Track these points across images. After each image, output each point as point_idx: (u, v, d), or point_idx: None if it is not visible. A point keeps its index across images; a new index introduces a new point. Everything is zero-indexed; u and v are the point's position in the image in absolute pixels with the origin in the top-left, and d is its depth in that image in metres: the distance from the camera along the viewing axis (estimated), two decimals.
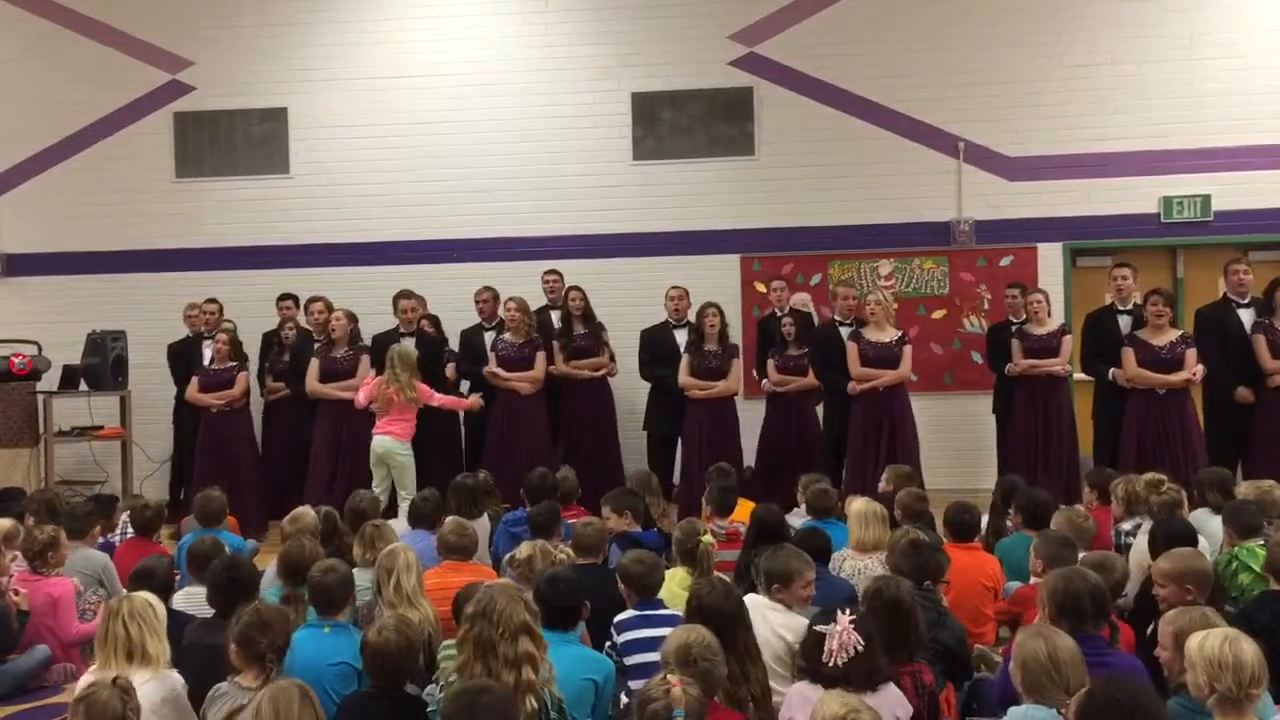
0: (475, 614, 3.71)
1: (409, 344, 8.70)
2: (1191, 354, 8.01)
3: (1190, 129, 10.05)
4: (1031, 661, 3.43)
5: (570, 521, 5.97)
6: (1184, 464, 7.60)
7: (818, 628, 3.64)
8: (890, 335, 8.34)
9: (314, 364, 8.82)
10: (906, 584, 4.27)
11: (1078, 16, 10.20)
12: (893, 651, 3.84)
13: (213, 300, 9.87)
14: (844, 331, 8.63)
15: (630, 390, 9.79)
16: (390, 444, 8.02)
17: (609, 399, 9.39)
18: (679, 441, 8.99)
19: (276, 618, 3.99)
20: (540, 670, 3.66)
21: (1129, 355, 8.11)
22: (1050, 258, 10.28)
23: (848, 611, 3.62)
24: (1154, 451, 7.85)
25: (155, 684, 3.99)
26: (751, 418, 9.05)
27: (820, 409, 8.91)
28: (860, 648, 3.53)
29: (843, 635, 3.54)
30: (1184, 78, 10.08)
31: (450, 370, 9.08)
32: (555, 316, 9.51)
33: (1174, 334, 8.11)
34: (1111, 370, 8.26)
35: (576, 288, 9.37)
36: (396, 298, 9.20)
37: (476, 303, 9.57)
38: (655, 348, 9.21)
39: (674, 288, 9.31)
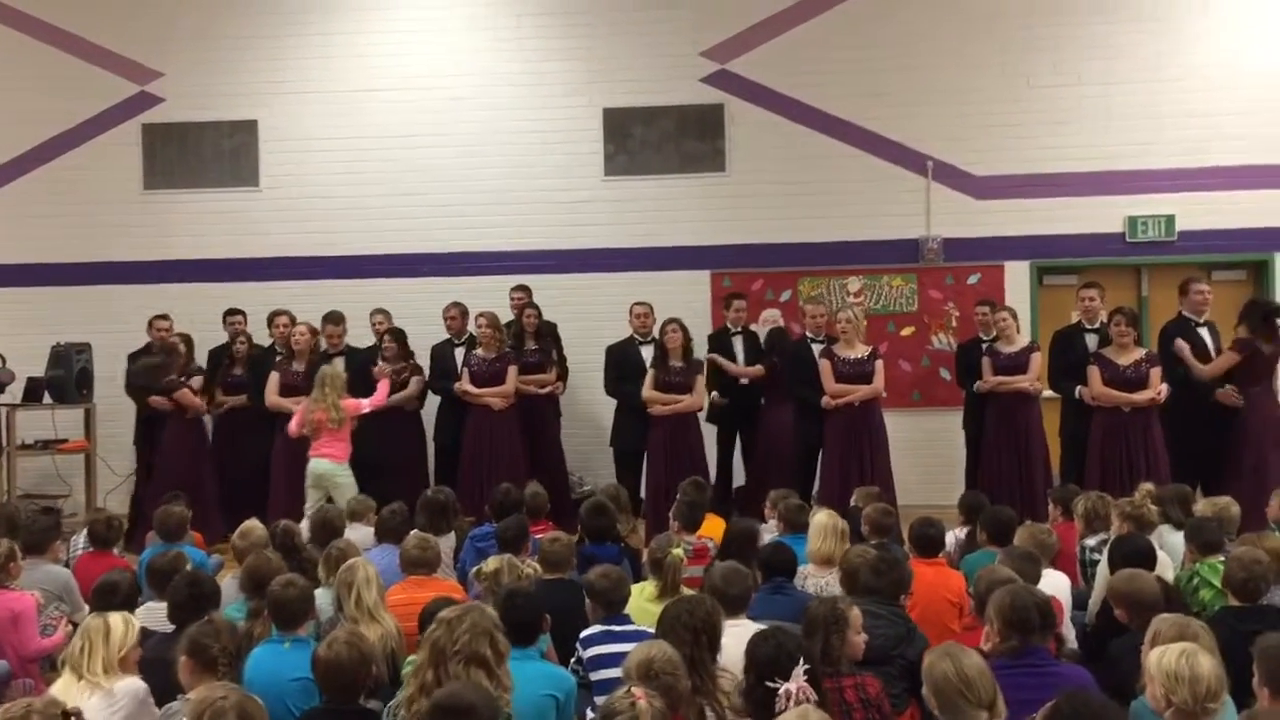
0: (437, 621, 3.72)
1: (338, 364, 8.67)
2: (1156, 373, 8.09)
3: (1154, 150, 10.19)
4: (942, 683, 3.42)
5: (538, 537, 5.95)
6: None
7: (770, 684, 3.53)
8: (861, 351, 8.40)
9: (273, 377, 8.84)
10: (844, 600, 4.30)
11: (1044, 38, 10.32)
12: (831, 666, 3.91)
13: (163, 316, 9.74)
14: (815, 348, 8.67)
15: (599, 405, 9.80)
16: (328, 466, 7.95)
17: (554, 415, 9.54)
18: (645, 457, 8.98)
19: (227, 627, 3.97)
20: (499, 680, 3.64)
21: (1094, 374, 8.19)
22: (1017, 276, 10.37)
23: (801, 663, 3.58)
24: (1118, 470, 7.91)
25: (120, 694, 3.99)
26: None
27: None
28: (814, 701, 3.48)
29: (798, 694, 3.49)
30: (1148, 99, 10.21)
31: (378, 370, 8.93)
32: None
33: (1139, 353, 8.20)
34: (1078, 388, 8.33)
35: (532, 305, 9.45)
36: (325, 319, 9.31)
37: (445, 319, 9.56)
38: (621, 364, 9.24)
39: (638, 304, 9.36)
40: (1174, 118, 10.17)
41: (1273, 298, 9.33)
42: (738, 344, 9.36)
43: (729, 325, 9.48)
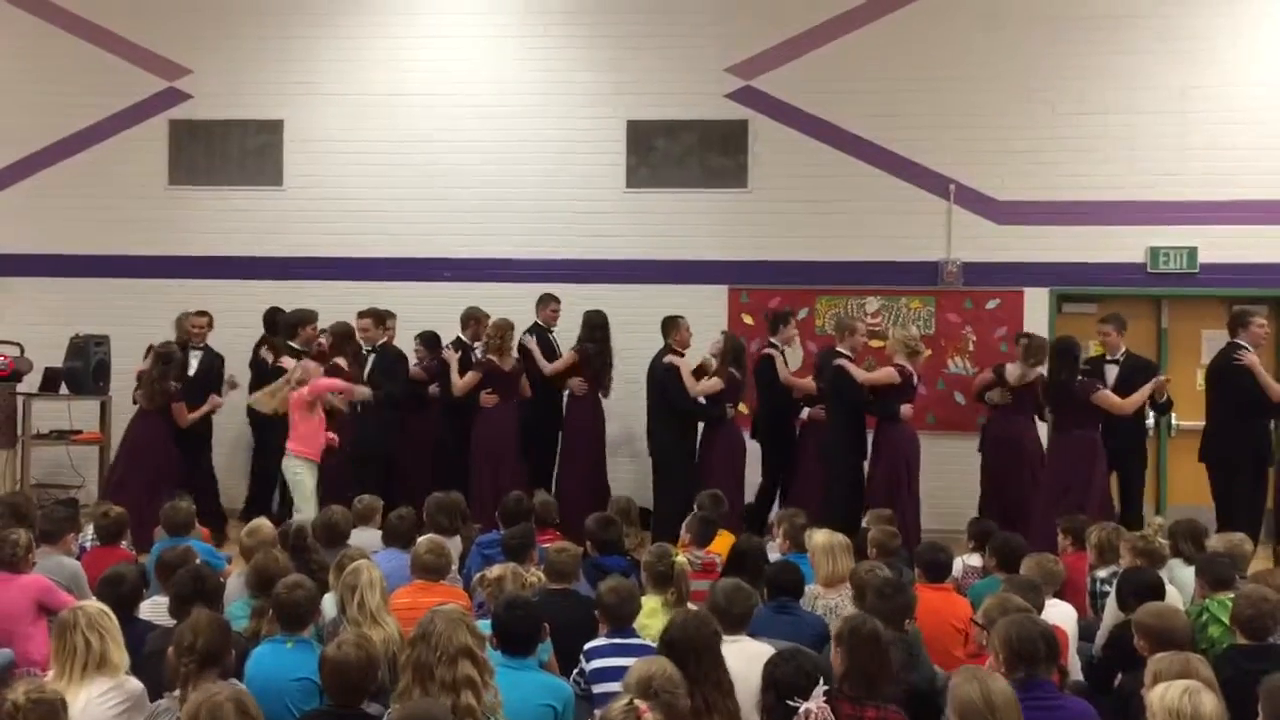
0: (415, 637, 3.71)
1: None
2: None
3: (1178, 181, 10.13)
4: (967, 706, 3.41)
5: (544, 546, 5.95)
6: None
7: (791, 703, 3.54)
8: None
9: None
10: (876, 622, 4.25)
11: (1071, 66, 10.29)
12: (864, 691, 3.83)
13: (202, 313, 9.80)
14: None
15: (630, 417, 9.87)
16: (284, 460, 7.96)
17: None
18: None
19: (219, 624, 3.98)
20: (484, 696, 3.63)
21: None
22: (1037, 303, 10.32)
23: (821, 683, 3.56)
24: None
25: (116, 691, 3.99)
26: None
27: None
28: None
29: (817, 713, 3.47)
30: (1174, 130, 10.16)
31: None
32: (550, 342, 9.68)
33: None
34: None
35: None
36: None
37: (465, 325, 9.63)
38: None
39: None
40: (1199, 150, 10.12)
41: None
42: (785, 359, 9.44)
43: (775, 343, 9.47)
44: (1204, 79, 10.17)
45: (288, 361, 8.77)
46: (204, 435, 9.52)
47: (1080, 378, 8.31)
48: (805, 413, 9.27)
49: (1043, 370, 8.71)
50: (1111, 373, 8.74)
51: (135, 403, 9.06)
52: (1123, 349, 8.89)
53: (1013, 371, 9.00)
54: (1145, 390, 8.38)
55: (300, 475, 7.88)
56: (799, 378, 9.41)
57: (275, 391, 8.05)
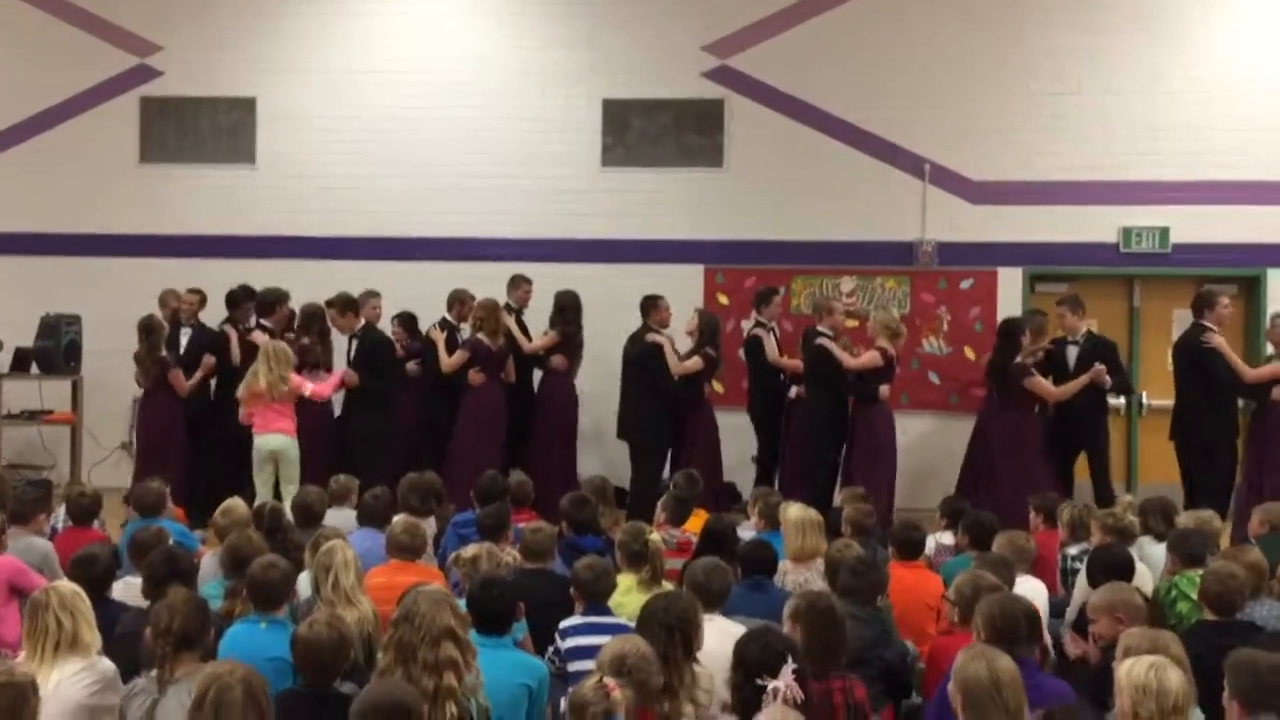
0: (399, 618, 3.72)
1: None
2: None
3: (1151, 161, 10.19)
4: (974, 683, 3.43)
5: (520, 526, 5.96)
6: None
7: (760, 681, 3.55)
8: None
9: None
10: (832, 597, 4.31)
11: (1045, 47, 10.32)
12: (825, 664, 3.87)
13: (194, 290, 9.67)
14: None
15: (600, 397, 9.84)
16: (282, 441, 7.99)
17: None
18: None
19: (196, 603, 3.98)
20: (465, 677, 3.64)
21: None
22: (1010, 282, 10.37)
23: (790, 661, 3.59)
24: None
25: (88, 672, 3.98)
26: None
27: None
28: (799, 701, 3.49)
29: (786, 692, 3.50)
30: (1146, 110, 10.22)
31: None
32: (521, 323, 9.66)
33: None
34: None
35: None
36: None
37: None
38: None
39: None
40: (1171, 130, 10.17)
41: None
42: (773, 339, 9.46)
43: (762, 320, 9.51)
44: (1176, 59, 10.22)
45: (259, 336, 8.73)
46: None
47: (1019, 360, 8.47)
48: (793, 391, 9.33)
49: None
50: (1072, 353, 8.85)
51: (139, 385, 9.05)
52: (1083, 329, 8.97)
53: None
54: (1080, 381, 8.56)
55: (298, 454, 8.01)
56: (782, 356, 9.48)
57: (273, 386, 7.97)
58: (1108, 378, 8.62)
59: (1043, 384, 8.53)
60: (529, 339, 9.62)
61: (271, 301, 9.21)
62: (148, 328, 8.81)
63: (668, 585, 5.03)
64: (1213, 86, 10.18)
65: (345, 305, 9.04)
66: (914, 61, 10.40)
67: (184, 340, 9.34)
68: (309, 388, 8.14)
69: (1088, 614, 4.53)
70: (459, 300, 9.54)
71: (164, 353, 8.79)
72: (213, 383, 9.32)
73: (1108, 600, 4.42)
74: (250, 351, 8.58)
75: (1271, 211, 10.12)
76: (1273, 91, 10.16)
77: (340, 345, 9.21)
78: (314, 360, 8.78)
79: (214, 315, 9.67)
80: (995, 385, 8.84)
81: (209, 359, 9.12)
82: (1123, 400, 9.92)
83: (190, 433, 9.09)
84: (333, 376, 8.50)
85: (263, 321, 9.14)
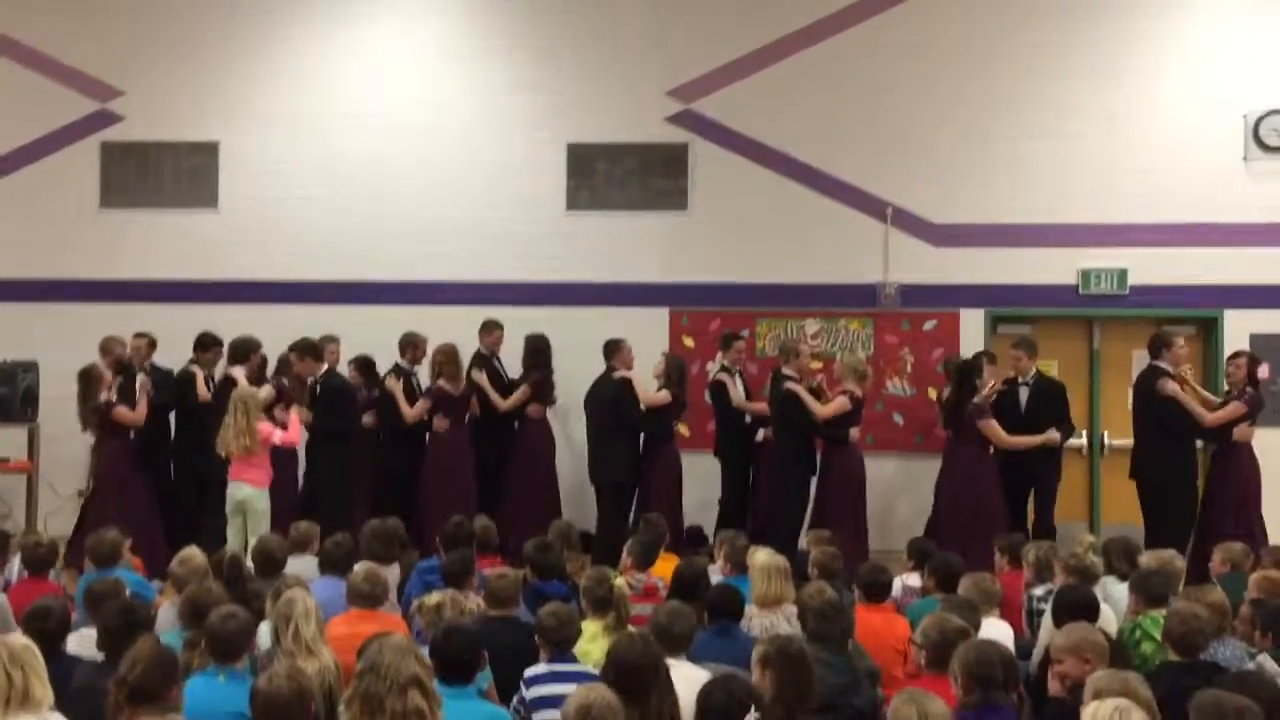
0: (363, 669, 3.65)
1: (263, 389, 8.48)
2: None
3: (1108, 204, 10.31)
4: None
5: (485, 572, 5.90)
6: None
7: None
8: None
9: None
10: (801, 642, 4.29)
11: (1002, 93, 10.46)
12: (792, 709, 3.84)
13: (141, 334, 9.55)
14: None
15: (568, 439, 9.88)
16: (248, 492, 7.86)
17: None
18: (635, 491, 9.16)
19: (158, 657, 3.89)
20: None
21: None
22: (972, 323, 10.44)
23: (753, 710, 3.57)
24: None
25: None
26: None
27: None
28: None
29: None
30: (1102, 154, 10.35)
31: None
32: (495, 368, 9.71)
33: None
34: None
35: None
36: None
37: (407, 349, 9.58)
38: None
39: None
40: (1127, 173, 10.31)
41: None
42: (738, 382, 9.56)
43: (726, 364, 9.58)
44: (1130, 104, 10.39)
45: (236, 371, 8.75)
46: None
47: (974, 402, 8.57)
48: (761, 433, 9.37)
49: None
50: (1024, 394, 9.03)
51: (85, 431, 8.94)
52: (1033, 372, 9.10)
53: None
54: (1032, 440, 8.70)
55: (266, 505, 7.88)
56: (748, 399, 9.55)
57: (242, 433, 7.88)
58: (1056, 435, 8.76)
59: (996, 429, 8.65)
60: (506, 380, 9.59)
61: (245, 350, 9.13)
62: (82, 376, 8.66)
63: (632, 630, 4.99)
64: (1167, 131, 10.34)
65: (306, 350, 8.94)
66: (875, 106, 10.52)
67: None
68: (278, 436, 8.03)
69: (1052, 654, 4.52)
70: (412, 344, 9.54)
71: (104, 397, 8.62)
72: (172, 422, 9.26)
73: (1074, 641, 4.42)
74: (226, 391, 8.50)
75: (1227, 253, 10.26)
76: (1226, 134, 10.33)
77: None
78: (291, 398, 8.69)
79: (165, 358, 9.58)
80: (951, 424, 8.96)
81: (143, 379, 8.95)
82: (1084, 439, 10.03)
83: (154, 472, 9.00)
84: (292, 420, 8.34)
85: (238, 366, 9.03)
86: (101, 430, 8.73)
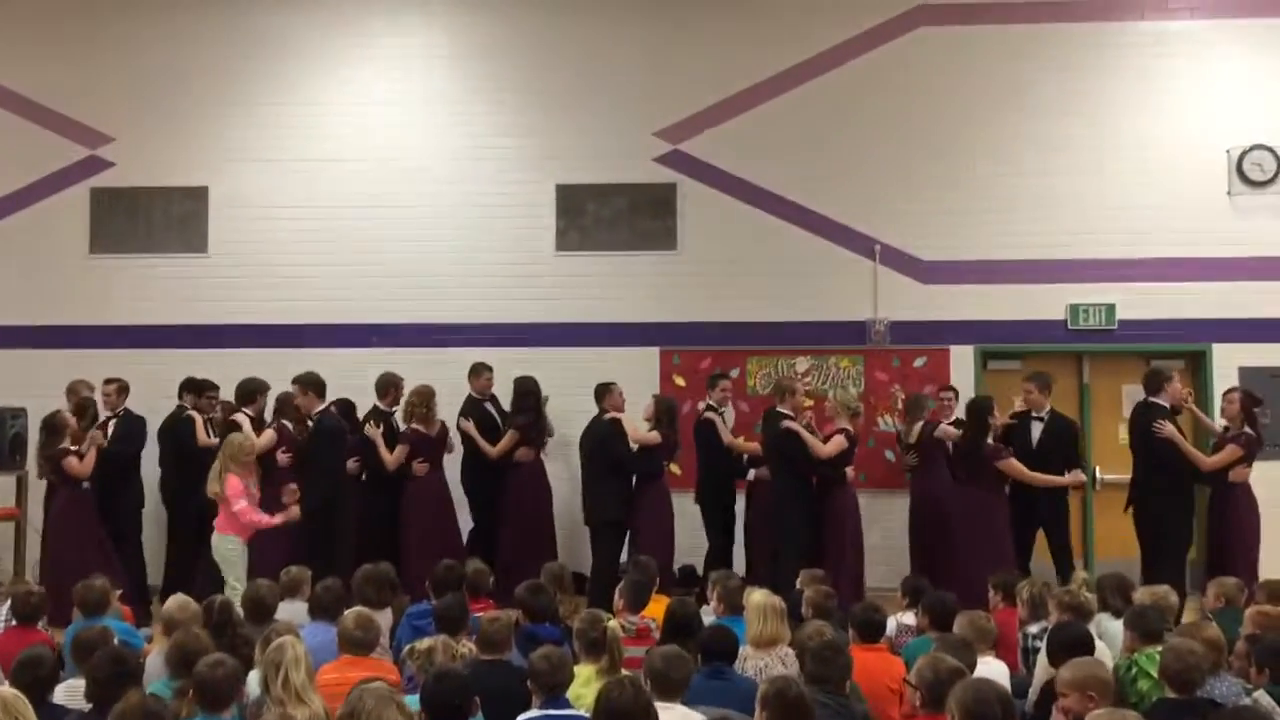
0: (343, 715, 3.62)
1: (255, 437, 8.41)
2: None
3: (1096, 239, 10.39)
4: None
5: (477, 615, 5.85)
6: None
7: None
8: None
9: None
10: (800, 685, 4.25)
11: (990, 131, 10.57)
12: None
13: (110, 380, 9.51)
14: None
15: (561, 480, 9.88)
16: (215, 538, 7.87)
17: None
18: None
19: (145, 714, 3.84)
20: None
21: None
22: (963, 360, 10.48)
23: None
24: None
25: None
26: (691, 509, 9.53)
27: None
28: None
29: None
30: (1091, 190, 10.44)
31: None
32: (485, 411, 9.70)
33: None
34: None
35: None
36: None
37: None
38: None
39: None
40: (1114, 210, 10.39)
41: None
42: (727, 419, 9.60)
43: (713, 403, 9.59)
44: (1118, 141, 10.48)
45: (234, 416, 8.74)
46: (132, 511, 9.31)
47: (990, 441, 8.56)
48: (752, 473, 9.34)
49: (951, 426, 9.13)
50: (1036, 429, 8.99)
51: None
52: (1047, 407, 9.07)
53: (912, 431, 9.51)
54: (1059, 480, 8.73)
55: (232, 552, 7.80)
56: (738, 437, 9.54)
57: (214, 479, 7.85)
58: (1082, 476, 8.86)
59: (1018, 467, 8.61)
60: (500, 419, 9.56)
61: (251, 391, 9.16)
62: (49, 425, 8.63)
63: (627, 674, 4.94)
64: (1153, 167, 10.43)
65: (309, 385, 8.80)
66: (862, 145, 10.60)
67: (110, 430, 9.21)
68: (253, 518, 7.86)
69: (1057, 689, 4.48)
70: (391, 386, 9.53)
71: (60, 448, 8.58)
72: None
73: (1081, 676, 4.37)
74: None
75: (1214, 287, 10.33)
76: (1212, 170, 10.42)
77: None
78: (291, 439, 8.62)
79: (157, 403, 9.62)
80: (964, 465, 8.85)
81: (94, 434, 8.86)
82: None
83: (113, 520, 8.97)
84: (277, 517, 8.06)
85: (245, 410, 9.01)
86: (55, 477, 8.68)
